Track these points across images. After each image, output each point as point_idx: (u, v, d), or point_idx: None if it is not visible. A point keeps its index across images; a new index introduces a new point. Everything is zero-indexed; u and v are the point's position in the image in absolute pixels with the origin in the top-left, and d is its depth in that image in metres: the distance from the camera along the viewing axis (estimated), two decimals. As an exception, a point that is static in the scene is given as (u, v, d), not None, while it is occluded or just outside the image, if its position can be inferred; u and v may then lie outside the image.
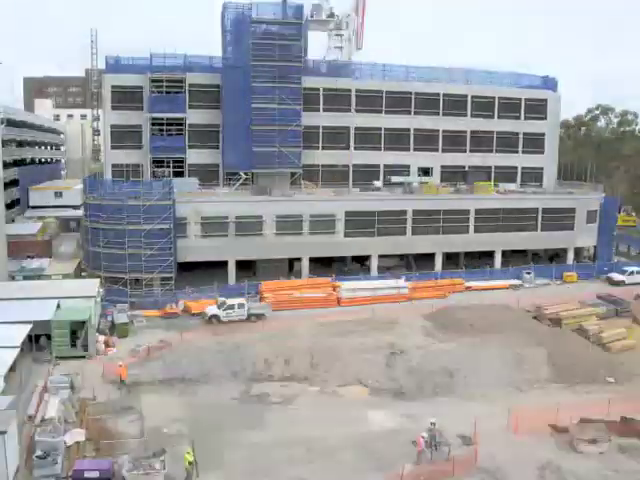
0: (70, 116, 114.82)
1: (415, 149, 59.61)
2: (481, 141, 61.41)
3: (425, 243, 54.17)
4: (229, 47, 53.52)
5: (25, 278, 46.61)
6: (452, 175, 60.71)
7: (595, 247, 60.77)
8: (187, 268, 49.17)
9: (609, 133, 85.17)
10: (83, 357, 36.06)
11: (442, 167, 60.63)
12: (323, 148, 57.26)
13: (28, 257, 51.55)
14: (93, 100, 67.15)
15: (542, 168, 63.74)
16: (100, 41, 76.06)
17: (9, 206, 65.12)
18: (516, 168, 62.70)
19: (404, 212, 53.78)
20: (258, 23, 52.63)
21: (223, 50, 53.75)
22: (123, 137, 54.84)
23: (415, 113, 59.17)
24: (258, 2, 52.35)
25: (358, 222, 52.33)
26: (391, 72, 59.05)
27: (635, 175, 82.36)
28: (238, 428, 27.73)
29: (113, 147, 55.07)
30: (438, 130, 60.03)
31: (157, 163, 54.59)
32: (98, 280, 44.02)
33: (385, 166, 58.89)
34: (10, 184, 68.01)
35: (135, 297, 45.30)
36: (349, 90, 57.59)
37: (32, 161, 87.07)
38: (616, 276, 54.70)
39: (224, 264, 49.73)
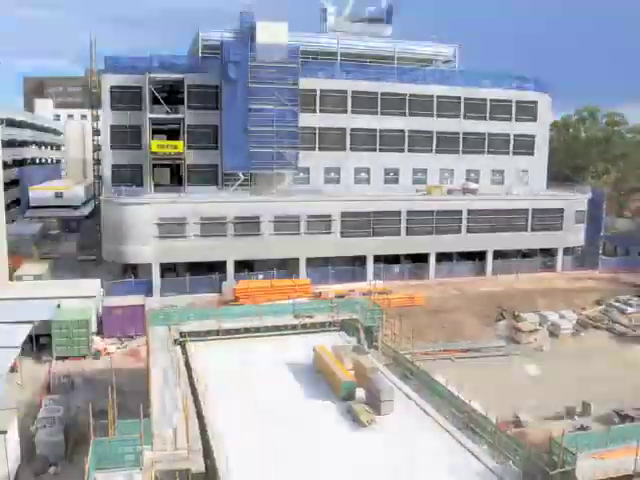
0: (70, 116, 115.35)
1: (409, 150, 60.27)
2: (473, 143, 62.02)
3: (419, 243, 55.14)
4: (227, 50, 53.77)
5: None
6: (446, 176, 61.65)
7: (582, 247, 61.86)
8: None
9: (598, 133, 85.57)
10: (84, 357, 36.75)
11: (436, 168, 61.37)
12: (319, 149, 57.93)
13: None
14: (93, 100, 67.30)
15: (532, 169, 64.49)
16: (99, 41, 76.63)
17: (9, 206, 65.76)
18: (505, 169, 63.47)
19: (399, 213, 54.93)
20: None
21: (222, 50, 54.08)
22: (122, 137, 55.25)
23: (410, 115, 59.82)
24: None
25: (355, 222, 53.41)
26: (385, 73, 59.63)
27: (622, 176, 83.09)
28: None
29: (112, 147, 55.50)
30: (432, 132, 60.71)
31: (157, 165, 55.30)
32: (99, 280, 44.66)
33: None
34: (10, 184, 68.66)
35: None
36: (345, 91, 58.23)
37: (32, 161, 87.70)
38: None
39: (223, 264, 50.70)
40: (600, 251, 62.09)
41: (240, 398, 23.64)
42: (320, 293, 48.21)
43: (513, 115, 62.99)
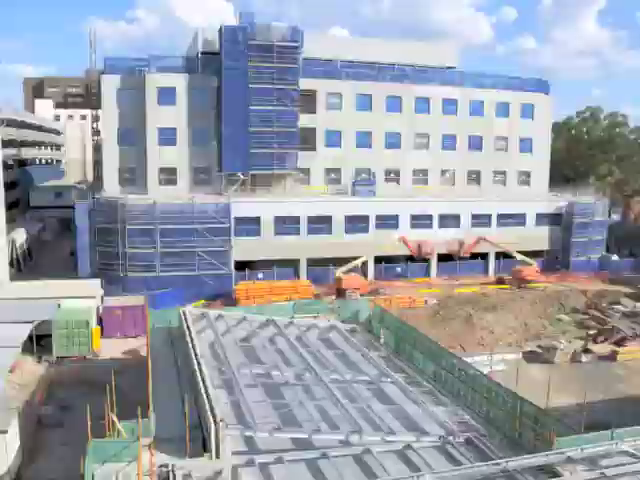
0: (70, 116, 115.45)
1: (409, 151, 60.21)
2: (473, 144, 62.02)
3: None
4: (227, 48, 53.76)
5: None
6: (446, 177, 61.72)
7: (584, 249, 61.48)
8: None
9: (601, 132, 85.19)
10: (84, 357, 36.72)
11: (437, 169, 61.29)
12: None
13: None
14: (92, 100, 67.49)
15: (534, 171, 64.42)
16: (99, 41, 77.36)
17: (9, 206, 65.67)
18: (508, 171, 63.58)
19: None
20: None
21: (221, 51, 54.13)
22: (122, 138, 55.20)
23: (409, 115, 59.75)
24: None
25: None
26: (386, 73, 59.60)
27: (626, 178, 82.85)
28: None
29: (112, 148, 55.46)
30: (432, 133, 60.62)
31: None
32: (99, 280, 44.60)
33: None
34: (10, 184, 68.59)
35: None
36: (345, 91, 58.17)
37: (32, 161, 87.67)
38: None
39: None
40: (603, 253, 61.88)
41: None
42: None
43: (514, 116, 62.98)
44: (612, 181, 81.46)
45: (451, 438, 20.44)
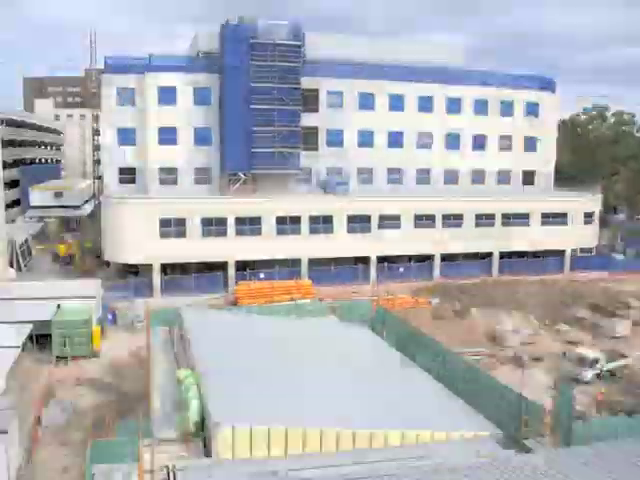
0: (70, 116, 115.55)
1: (413, 150, 59.98)
2: (478, 142, 61.79)
3: (423, 245, 54.81)
4: (228, 47, 53.61)
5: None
6: (451, 177, 61.47)
7: (593, 248, 61.28)
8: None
9: (606, 130, 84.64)
10: (84, 357, 36.54)
11: (440, 168, 61.02)
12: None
13: None
14: (92, 100, 67.45)
15: (540, 170, 64.16)
16: (99, 41, 77.25)
17: (9, 206, 65.60)
18: (512, 170, 63.27)
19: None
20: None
21: (222, 50, 53.98)
22: (122, 137, 55.06)
23: (412, 114, 59.56)
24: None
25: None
26: (388, 72, 59.37)
27: (632, 176, 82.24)
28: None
29: (112, 148, 55.31)
30: (436, 131, 60.35)
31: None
32: (99, 280, 44.45)
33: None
34: (10, 184, 68.53)
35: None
36: (347, 90, 57.99)
37: (32, 161, 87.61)
38: None
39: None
40: (611, 253, 61.53)
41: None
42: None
43: (519, 115, 62.77)
44: (619, 180, 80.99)
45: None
